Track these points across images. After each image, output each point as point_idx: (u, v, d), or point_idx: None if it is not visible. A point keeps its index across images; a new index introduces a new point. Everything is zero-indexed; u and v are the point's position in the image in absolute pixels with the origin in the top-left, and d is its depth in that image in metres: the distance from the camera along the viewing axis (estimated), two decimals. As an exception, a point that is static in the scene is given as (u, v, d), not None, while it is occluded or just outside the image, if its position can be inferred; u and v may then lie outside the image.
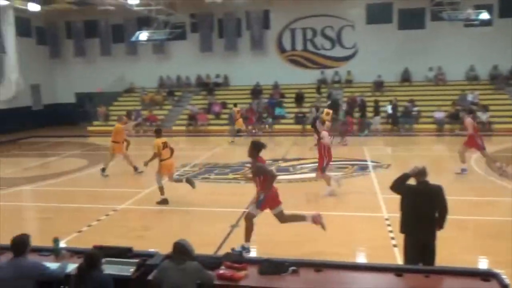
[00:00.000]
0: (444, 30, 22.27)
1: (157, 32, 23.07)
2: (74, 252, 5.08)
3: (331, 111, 15.67)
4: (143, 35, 22.91)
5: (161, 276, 4.12)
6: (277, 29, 24.81)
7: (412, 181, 5.06)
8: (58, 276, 4.45)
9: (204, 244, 6.73)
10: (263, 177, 6.74)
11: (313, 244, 6.99)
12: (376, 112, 20.77)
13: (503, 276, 4.00)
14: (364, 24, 23.73)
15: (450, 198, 5.06)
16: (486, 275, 4.12)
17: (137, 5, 20.60)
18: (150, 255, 4.86)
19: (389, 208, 8.51)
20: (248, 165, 13.42)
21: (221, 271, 4.37)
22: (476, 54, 22.28)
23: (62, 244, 5.60)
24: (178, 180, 9.98)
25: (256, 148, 6.94)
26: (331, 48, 24.43)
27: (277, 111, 22.15)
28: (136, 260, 4.69)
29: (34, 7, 22.20)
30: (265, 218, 8.39)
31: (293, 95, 23.22)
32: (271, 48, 24.99)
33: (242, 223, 8.06)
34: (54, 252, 5.06)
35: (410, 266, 4.68)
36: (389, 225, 7.73)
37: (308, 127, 20.94)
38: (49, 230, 7.60)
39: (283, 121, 22.05)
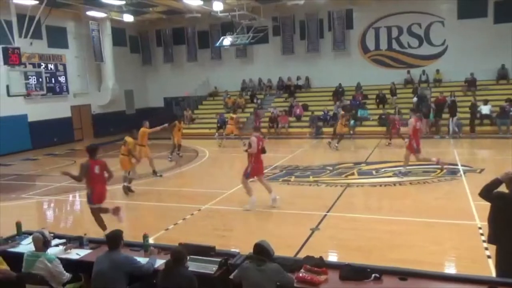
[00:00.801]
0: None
1: (240, 36, 23.66)
2: (161, 249, 5.36)
3: (347, 115, 15.54)
4: (227, 40, 23.61)
5: (242, 276, 4.20)
6: (360, 29, 24.21)
7: (503, 188, 4.64)
8: (147, 271, 4.72)
9: (284, 246, 6.76)
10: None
11: (397, 251, 6.70)
12: (453, 113, 19.45)
13: None
14: (455, 19, 22.31)
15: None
16: None
17: (222, 11, 21.27)
18: (232, 255, 4.98)
19: (482, 216, 7.87)
20: (329, 167, 13.31)
21: (300, 274, 4.35)
22: None
23: (151, 241, 5.93)
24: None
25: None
26: (419, 46, 23.30)
27: (360, 113, 21.59)
28: (219, 259, 4.82)
29: (128, 18, 23.86)
30: (345, 223, 8.25)
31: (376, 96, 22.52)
32: (354, 49, 24.44)
33: (323, 226, 8.00)
34: (144, 247, 5.37)
35: (504, 279, 4.29)
36: (482, 234, 7.17)
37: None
38: (139, 227, 8.10)
39: (366, 123, 21.44)
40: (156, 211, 9.66)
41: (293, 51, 25.35)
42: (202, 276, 4.49)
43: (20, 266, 4.95)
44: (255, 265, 4.14)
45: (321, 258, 4.67)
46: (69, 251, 5.46)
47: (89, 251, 5.47)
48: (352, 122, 20.96)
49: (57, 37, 22.50)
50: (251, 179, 9.49)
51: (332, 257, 6.66)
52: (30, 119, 20.44)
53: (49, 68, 21.92)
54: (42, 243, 4.91)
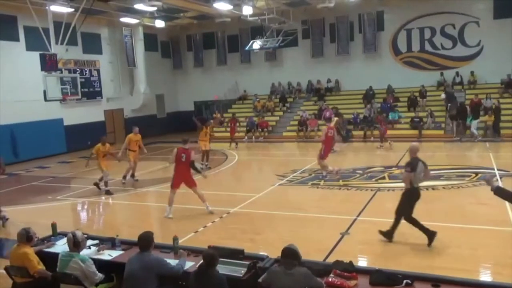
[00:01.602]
0: None
1: (269, 40, 23.72)
2: (191, 251, 5.42)
3: (336, 119, 15.74)
4: (256, 44, 23.73)
5: (270, 279, 4.19)
6: (391, 31, 23.84)
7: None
8: (177, 273, 4.79)
9: (313, 250, 6.72)
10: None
11: (429, 257, 6.54)
12: (476, 115, 18.85)
13: None
14: (491, 19, 21.66)
15: None
16: None
17: (251, 15, 21.39)
18: (261, 258, 4.98)
19: (520, 223, 7.64)
20: (360, 171, 13.13)
21: (330, 279, 4.31)
22: None
23: (181, 243, 6.00)
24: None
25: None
26: (452, 47, 22.73)
27: (391, 116, 21.24)
28: (247, 262, 4.83)
29: (160, 24, 24.32)
30: (375, 228, 8.11)
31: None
32: (385, 51, 24.09)
33: (352, 231, 7.91)
34: (174, 249, 5.45)
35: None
36: (519, 241, 6.92)
37: (425, 132, 19.83)
38: (169, 229, 8.21)
39: (397, 126, 21.08)
40: (185, 214, 9.76)
41: (323, 54, 25.20)
42: (231, 279, 4.51)
43: (55, 266, 5.11)
44: (284, 269, 4.12)
45: (351, 263, 4.62)
46: (101, 252, 5.60)
47: (121, 252, 5.59)
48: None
49: (92, 43, 23.16)
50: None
51: (362, 262, 6.56)
52: (65, 123, 21.09)
53: (84, 74, 22.56)
54: (73, 244, 5.04)
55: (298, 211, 9.50)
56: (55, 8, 15.46)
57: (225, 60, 27.95)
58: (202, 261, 4.50)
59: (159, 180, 13.71)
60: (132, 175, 13.58)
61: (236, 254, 5.07)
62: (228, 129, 21.00)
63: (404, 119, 21.13)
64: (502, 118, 19.02)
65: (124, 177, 13.28)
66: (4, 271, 5.41)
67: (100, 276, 5.02)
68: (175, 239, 5.52)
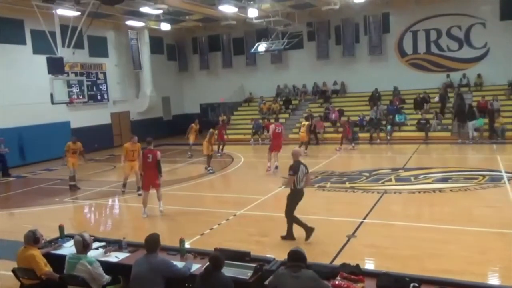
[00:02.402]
0: None
1: (275, 42, 23.74)
2: (197, 253, 5.43)
3: (307, 123, 16.38)
4: (262, 46, 23.76)
5: (277, 282, 4.17)
6: (397, 32, 23.78)
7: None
8: (183, 275, 4.80)
9: (320, 253, 6.71)
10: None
11: (436, 260, 6.50)
12: (472, 117, 18.82)
13: None
14: (497, 20, 21.53)
15: None
16: None
17: (257, 18, 21.42)
18: (267, 261, 4.98)
19: (528, 225, 7.58)
20: (366, 173, 13.10)
21: (337, 282, 4.30)
22: None
23: (187, 245, 6.01)
24: None
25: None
26: (458, 49, 22.62)
27: (397, 118, 21.17)
28: (254, 265, 4.83)
29: (165, 27, 24.40)
30: (382, 230, 8.09)
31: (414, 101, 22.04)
32: (391, 53, 24.02)
33: (359, 233, 7.88)
34: (180, 252, 5.46)
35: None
36: (528, 244, 6.87)
37: (432, 134, 19.75)
38: (175, 231, 8.22)
39: (403, 128, 21.01)
40: (192, 216, 9.78)
41: (328, 56, 25.18)
42: (237, 282, 4.52)
43: (63, 267, 5.13)
44: (290, 272, 4.11)
45: (357, 265, 4.61)
46: (108, 254, 5.63)
47: (127, 254, 5.61)
48: (388, 127, 20.62)
49: (98, 47, 23.29)
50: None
51: (369, 265, 6.53)
52: (72, 125, 21.18)
53: (90, 77, 22.70)
54: (82, 246, 5.07)
55: (304, 214, 9.43)
56: (61, 11, 15.55)
57: (231, 63, 27.99)
58: (208, 263, 4.50)
59: (165, 183, 13.71)
60: (138, 188, 11.97)
61: (242, 257, 5.08)
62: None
63: (410, 121, 21.06)
64: (510, 120, 18.87)
65: (124, 185, 12.43)
66: (11, 273, 5.44)
67: (107, 278, 5.04)
68: (182, 241, 5.53)
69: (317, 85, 25.71)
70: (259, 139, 22.28)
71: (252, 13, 20.07)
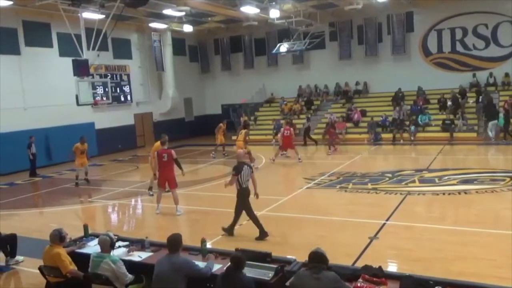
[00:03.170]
0: None
1: (296, 43, 23.66)
2: (218, 253, 5.45)
3: (245, 131, 16.24)
4: (283, 47, 23.72)
5: (298, 283, 4.15)
6: (421, 31, 23.40)
7: None
8: (205, 275, 4.82)
9: (342, 254, 6.65)
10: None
11: (461, 263, 6.37)
12: (493, 116, 18.44)
13: None
14: (526, 18, 20.99)
15: None
16: None
17: (278, 19, 21.39)
18: (288, 262, 4.97)
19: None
20: (389, 174, 12.93)
21: (359, 284, 4.26)
22: None
23: (208, 245, 6.04)
24: None
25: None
26: (485, 48, 22.11)
27: (421, 118, 20.82)
28: (275, 266, 4.83)
29: (188, 28, 24.63)
30: (405, 232, 7.97)
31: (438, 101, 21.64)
32: (415, 52, 23.65)
33: (381, 235, 7.78)
34: (202, 252, 5.49)
35: None
36: (557, 248, 6.66)
37: (457, 134, 19.38)
38: (197, 231, 8.28)
39: (427, 128, 20.65)
40: (213, 216, 9.83)
41: (351, 56, 24.96)
42: (258, 282, 4.52)
43: (87, 266, 5.23)
44: (311, 273, 4.09)
45: (380, 268, 4.55)
46: (131, 253, 5.70)
47: (150, 253, 5.68)
48: (412, 127, 20.32)
49: (122, 49, 23.68)
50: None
51: (392, 268, 6.44)
52: (97, 126, 21.58)
53: (114, 78, 23.07)
54: (109, 245, 5.17)
55: (326, 215, 9.42)
56: (87, 15, 15.86)
57: (252, 64, 28.04)
58: (229, 263, 4.52)
59: (187, 183, 13.84)
60: (149, 188, 12.21)
61: (263, 257, 5.07)
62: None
63: (434, 121, 20.69)
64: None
65: (150, 188, 12.37)
66: (38, 271, 5.57)
67: (130, 277, 5.11)
68: (203, 241, 5.57)
69: (339, 86, 25.51)
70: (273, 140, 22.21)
71: (274, 13, 20.07)
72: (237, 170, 7.98)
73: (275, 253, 5.27)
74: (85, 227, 6.64)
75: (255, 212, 8.26)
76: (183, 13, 21.13)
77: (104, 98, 18.84)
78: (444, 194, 10.58)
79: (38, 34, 19.45)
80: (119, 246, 5.80)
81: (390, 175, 12.99)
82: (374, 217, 8.87)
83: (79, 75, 14.88)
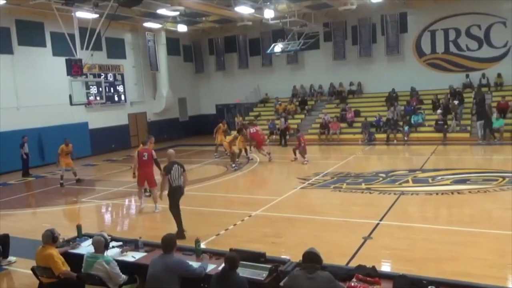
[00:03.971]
0: None
1: (291, 43, 23.69)
2: (212, 254, 5.45)
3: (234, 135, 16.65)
4: (278, 47, 23.75)
5: (292, 283, 4.16)
6: (415, 32, 23.50)
7: None
8: (199, 275, 4.81)
9: (335, 254, 6.66)
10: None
11: (455, 263, 6.40)
12: (480, 116, 18.71)
13: None
14: (518, 19, 21.14)
15: None
16: None
17: (273, 19, 21.40)
18: (282, 262, 4.97)
19: (550, 228, 7.40)
20: (383, 175, 12.98)
21: (352, 284, 4.27)
22: None
23: (202, 245, 6.03)
24: None
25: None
26: (478, 49, 22.25)
27: (414, 118, 20.92)
28: (269, 266, 4.83)
29: (182, 28, 24.59)
30: (399, 232, 8.00)
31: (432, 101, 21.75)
32: (408, 53, 23.75)
33: (375, 235, 7.81)
34: (196, 252, 5.48)
35: None
36: (550, 247, 6.71)
37: (450, 135, 19.48)
38: (191, 231, 8.26)
39: (421, 129, 20.75)
40: (207, 216, 9.82)
41: (345, 57, 25.03)
42: (252, 282, 4.51)
43: (80, 266, 5.20)
44: (305, 273, 4.09)
45: (373, 267, 4.56)
46: (125, 253, 5.68)
47: (144, 254, 5.66)
48: (406, 128, 20.40)
49: (116, 48, 23.58)
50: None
51: (385, 267, 6.46)
52: (90, 126, 21.49)
53: (108, 78, 22.98)
54: (104, 245, 5.15)
55: (320, 215, 9.44)
56: (80, 14, 15.78)
57: (247, 64, 28.03)
58: (224, 264, 4.51)
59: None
60: (144, 190, 11.51)
61: (257, 257, 5.07)
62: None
63: (428, 122, 20.79)
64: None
65: (145, 190, 11.79)
66: (31, 272, 5.54)
67: (123, 277, 5.09)
68: (197, 241, 5.56)
69: (334, 86, 25.57)
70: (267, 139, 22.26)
71: (268, 14, 20.07)
72: (167, 170, 8.12)
73: (269, 253, 5.27)
74: (78, 227, 6.60)
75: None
76: (177, 13, 21.09)
77: (98, 98, 18.74)
78: (437, 194, 10.63)
79: (31, 33, 19.33)
80: (113, 246, 5.78)
81: (384, 175, 13.04)
82: (368, 217, 8.89)
83: (73, 74, 14.81)
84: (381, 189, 11.37)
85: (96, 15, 15.88)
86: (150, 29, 24.45)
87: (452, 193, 10.62)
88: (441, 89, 22.06)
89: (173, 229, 8.13)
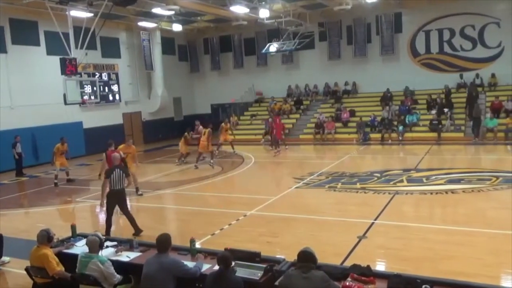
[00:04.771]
0: None
1: (286, 43, 23.70)
2: (207, 253, 5.44)
3: (208, 130, 16.07)
4: (273, 47, 23.74)
5: (287, 283, 4.16)
6: (409, 32, 23.59)
7: None
8: (194, 275, 4.81)
9: (330, 254, 6.67)
10: None
11: (450, 262, 6.43)
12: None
13: None
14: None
15: None
16: None
17: (268, 18, 21.40)
18: (277, 261, 4.97)
19: (543, 228, 7.45)
20: (377, 174, 13.01)
21: (347, 283, 4.27)
22: None
23: (197, 245, 6.02)
24: None
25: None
26: (472, 49, 22.36)
27: (408, 118, 20.99)
28: (264, 265, 4.82)
29: (177, 27, 24.51)
30: (393, 232, 8.03)
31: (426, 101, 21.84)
32: (403, 53, 23.84)
33: (370, 234, 7.83)
34: (191, 252, 5.47)
35: None
36: (543, 246, 6.75)
37: (444, 134, 19.57)
38: (186, 231, 8.25)
39: (415, 128, 20.83)
40: (202, 216, 9.81)
41: (340, 56, 25.08)
42: (248, 282, 4.51)
43: (75, 266, 5.18)
44: (300, 272, 4.10)
45: (368, 267, 4.57)
46: (120, 253, 5.66)
47: (138, 253, 5.64)
48: (400, 127, 20.48)
49: (110, 48, 23.49)
50: None
51: (380, 267, 6.48)
52: (84, 126, 21.39)
53: (103, 77, 22.88)
54: (99, 246, 5.13)
55: (315, 214, 9.45)
56: (75, 13, 15.71)
57: (242, 63, 28.01)
58: (219, 265, 4.51)
59: (176, 183, 13.81)
60: (137, 189, 11.95)
61: (252, 257, 5.07)
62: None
63: (422, 122, 20.87)
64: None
65: (137, 189, 12.08)
66: (25, 272, 5.50)
67: (118, 277, 5.08)
68: (192, 241, 5.55)
69: (329, 86, 25.61)
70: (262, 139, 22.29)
71: (264, 13, 20.06)
72: (107, 174, 8.34)
73: (264, 252, 5.27)
74: (73, 227, 6.57)
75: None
76: (172, 12, 21.05)
77: (92, 97, 18.63)
78: (431, 193, 10.68)
79: (25, 32, 19.21)
80: (107, 246, 5.76)
81: (378, 174, 13.08)
82: (363, 217, 8.92)
83: (67, 73, 14.74)
84: (375, 188, 11.41)
85: (91, 14, 15.82)
86: (145, 29, 24.37)
87: (446, 192, 10.67)
88: (436, 89, 22.15)
89: (168, 229, 8.11)
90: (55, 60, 15.26)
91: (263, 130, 22.86)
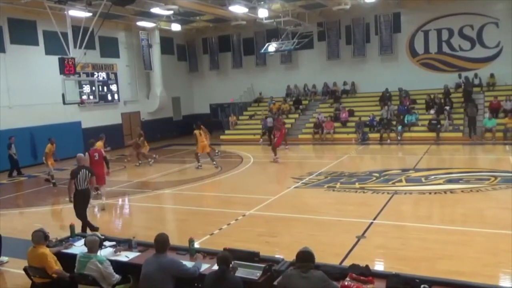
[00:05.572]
0: None
1: (285, 42, 23.70)
2: (206, 253, 5.44)
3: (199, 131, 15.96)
4: (272, 47, 23.74)
5: (286, 282, 4.16)
6: (408, 32, 23.61)
7: None
8: (193, 274, 4.80)
9: (329, 253, 6.68)
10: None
11: (448, 262, 6.44)
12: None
13: None
14: (510, 19, 21.23)
15: None
16: None
17: (267, 18, 21.40)
18: (276, 261, 4.97)
19: (542, 227, 7.46)
20: (376, 174, 13.02)
21: (346, 283, 4.27)
22: None
23: (196, 245, 6.02)
24: None
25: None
26: (471, 49, 22.39)
27: (407, 118, 21.01)
28: (263, 265, 4.82)
29: (176, 27, 24.51)
30: (392, 232, 8.03)
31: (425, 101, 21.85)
32: (402, 52, 23.85)
33: (369, 234, 7.83)
34: (190, 251, 5.47)
35: None
36: (541, 246, 6.76)
37: (443, 134, 19.59)
38: (185, 231, 8.25)
39: (414, 128, 20.84)
40: (201, 216, 9.80)
41: (339, 56, 25.09)
42: (246, 282, 4.51)
43: (73, 266, 5.17)
44: (299, 272, 4.09)
45: (367, 266, 4.58)
46: (118, 253, 5.65)
47: (137, 253, 5.63)
48: (399, 127, 20.49)
49: (109, 47, 23.47)
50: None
51: (379, 266, 6.49)
52: (83, 125, 21.36)
53: (101, 77, 22.86)
54: (98, 245, 5.12)
55: (314, 214, 9.45)
56: (73, 12, 15.69)
57: (241, 63, 28.01)
58: (219, 265, 4.50)
59: (174, 183, 13.80)
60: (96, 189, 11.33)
61: (251, 257, 5.07)
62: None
63: (421, 121, 20.89)
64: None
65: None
66: (23, 272, 5.49)
67: (117, 277, 5.07)
68: (191, 241, 5.54)
69: (327, 85, 25.61)
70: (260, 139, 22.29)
71: (262, 13, 20.07)
72: (72, 174, 8.43)
73: (263, 252, 5.27)
74: (71, 227, 6.57)
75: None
76: (171, 12, 21.04)
77: (91, 97, 18.63)
78: (430, 193, 10.69)
79: (24, 32, 19.19)
80: (106, 246, 5.75)
81: (377, 174, 13.09)
82: (361, 216, 8.92)
83: (66, 73, 14.72)
84: (374, 188, 11.41)
85: (89, 14, 15.79)
86: (143, 28, 24.36)
87: (445, 192, 10.67)
88: (434, 88, 22.17)
89: (167, 229, 8.11)
90: (54, 59, 15.23)
91: (261, 130, 22.85)
